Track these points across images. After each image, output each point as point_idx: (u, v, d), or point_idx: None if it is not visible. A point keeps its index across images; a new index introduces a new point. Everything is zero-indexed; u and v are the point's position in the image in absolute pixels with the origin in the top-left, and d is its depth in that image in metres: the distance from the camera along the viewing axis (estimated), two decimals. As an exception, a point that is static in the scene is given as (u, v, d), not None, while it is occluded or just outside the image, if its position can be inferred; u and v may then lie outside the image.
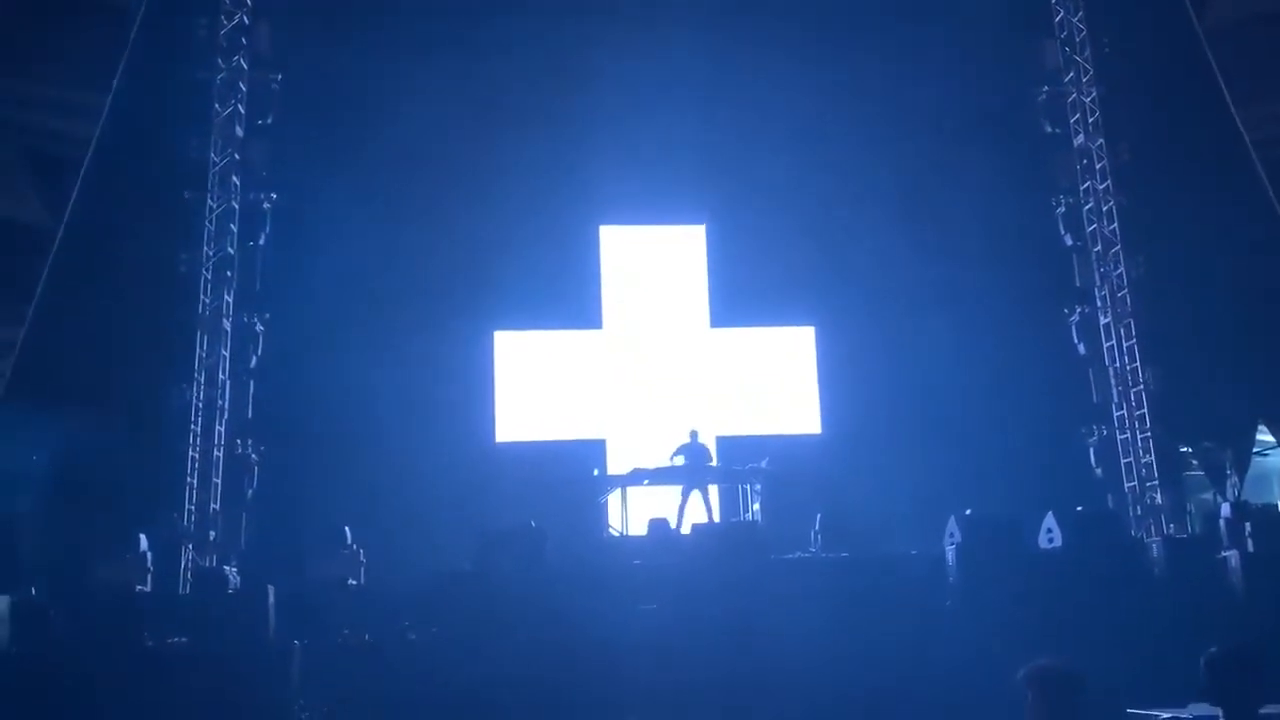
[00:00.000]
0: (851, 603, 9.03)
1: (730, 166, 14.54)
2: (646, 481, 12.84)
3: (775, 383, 15.06)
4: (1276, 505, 11.36)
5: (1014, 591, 9.12)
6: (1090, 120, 14.39)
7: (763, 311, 15.02)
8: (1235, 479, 13.38)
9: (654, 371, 15.04)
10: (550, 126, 14.46)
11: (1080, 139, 14.45)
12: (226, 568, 11.33)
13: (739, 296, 15.08)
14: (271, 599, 9.46)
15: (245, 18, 13.54)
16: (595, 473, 13.47)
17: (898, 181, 14.56)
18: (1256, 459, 13.97)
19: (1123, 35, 14.44)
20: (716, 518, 12.90)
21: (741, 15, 14.58)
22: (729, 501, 13.39)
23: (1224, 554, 9.98)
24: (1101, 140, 14.31)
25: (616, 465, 13.92)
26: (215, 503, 12.48)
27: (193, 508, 12.36)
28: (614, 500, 12.91)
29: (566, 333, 15.06)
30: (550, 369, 14.85)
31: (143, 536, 10.41)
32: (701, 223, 15.39)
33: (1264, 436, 14.06)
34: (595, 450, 14.39)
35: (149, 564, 10.22)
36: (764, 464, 12.77)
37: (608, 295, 15.20)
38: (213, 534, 12.35)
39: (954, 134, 14.36)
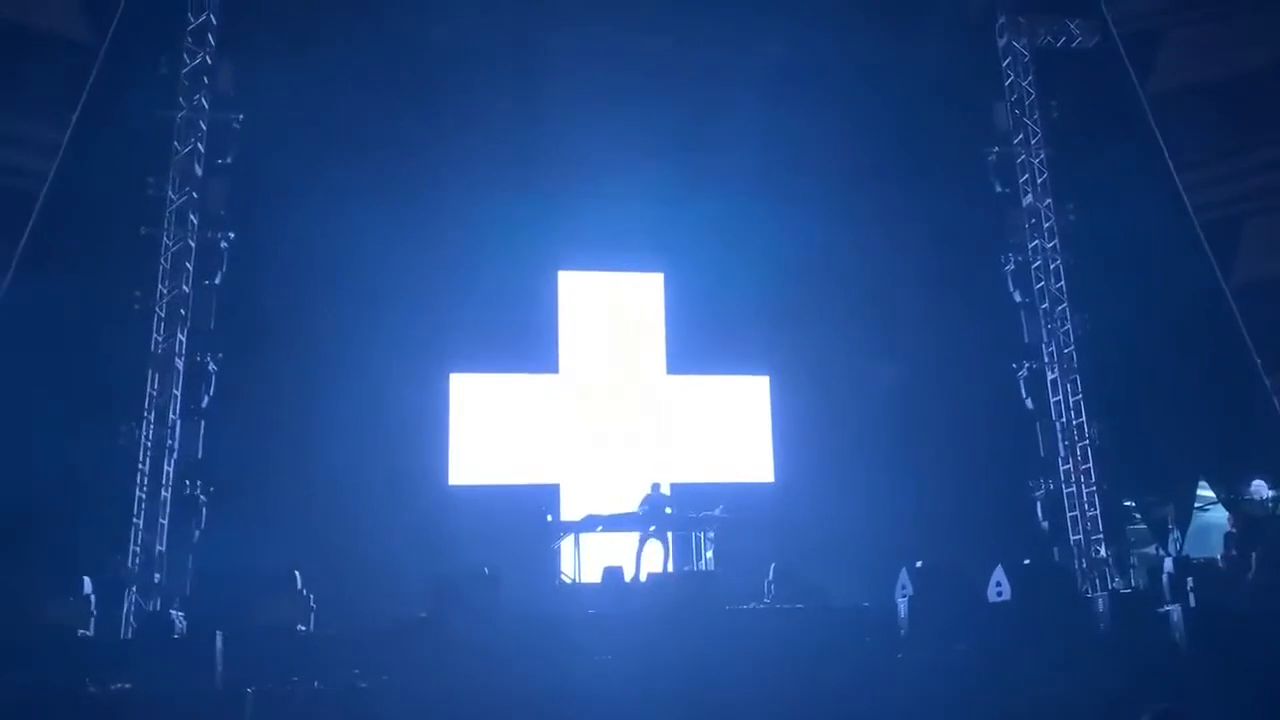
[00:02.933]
0: (805, 654, 9.06)
1: (689, 217, 14.74)
2: (600, 528, 12.82)
3: (730, 431, 15.17)
4: (1217, 560, 11.61)
5: (964, 644, 9.22)
6: (1039, 181, 14.79)
7: (719, 360, 15.18)
8: (1177, 533, 13.68)
9: (610, 417, 15.09)
10: (512, 171, 14.61)
11: (1029, 198, 14.83)
12: (172, 611, 11.10)
13: (696, 344, 15.23)
14: (219, 644, 9.28)
15: (208, 57, 13.52)
16: (549, 518, 13.45)
17: (852, 235, 14.87)
18: (1198, 514, 14.27)
19: (1071, 100, 14.89)
20: (671, 567, 12.90)
21: (702, 70, 14.87)
22: (682, 549, 13.40)
23: (1166, 609, 10.18)
24: (1049, 200, 14.70)
25: (571, 511, 13.90)
26: (161, 545, 12.25)
27: (138, 549, 12.12)
28: (567, 546, 12.88)
29: (523, 376, 15.09)
30: (506, 412, 14.84)
31: (86, 579, 10.18)
32: (660, 271, 15.57)
33: (1205, 492, 14.38)
34: (549, 495, 14.38)
35: (92, 607, 10.00)
36: (718, 511, 12.83)
37: (565, 340, 15.27)
38: (158, 577, 12.11)
39: (907, 191, 14.70)
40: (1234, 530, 11.99)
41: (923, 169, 14.84)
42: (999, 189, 14.93)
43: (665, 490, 13.20)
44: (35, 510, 11.51)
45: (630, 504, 13.10)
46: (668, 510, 12.97)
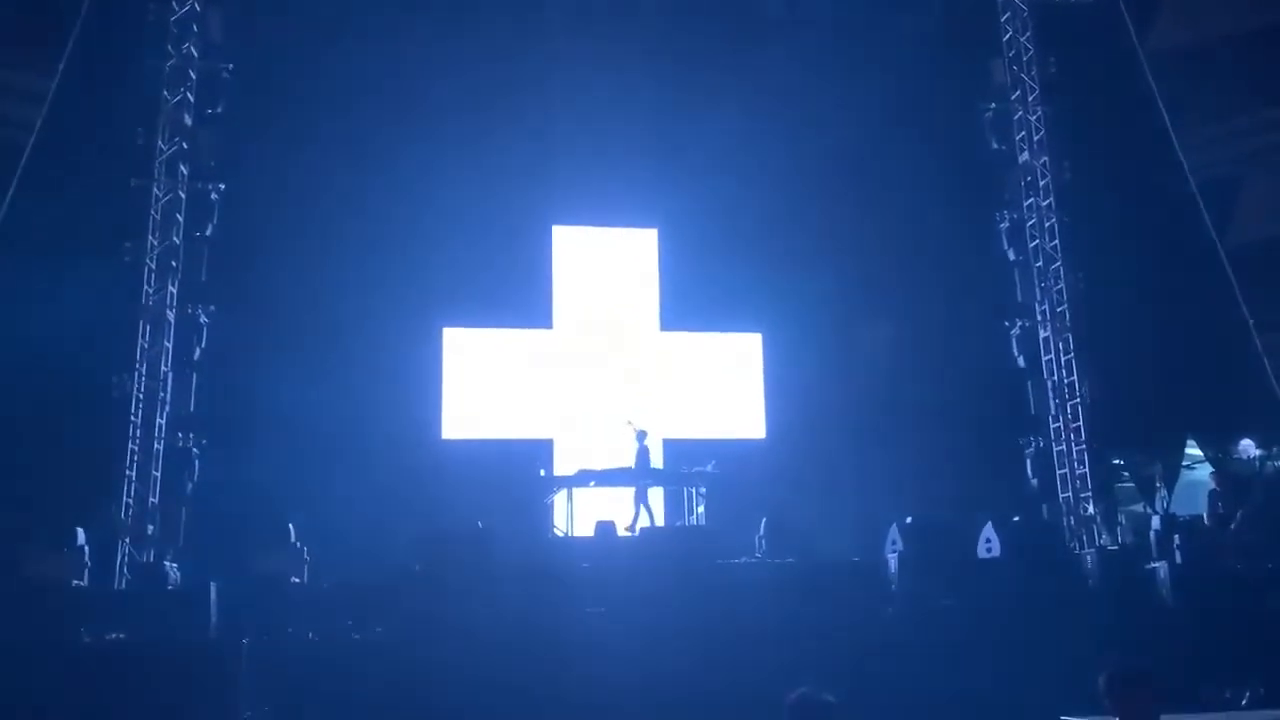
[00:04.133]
0: (796, 608, 9.16)
1: (683, 174, 14.65)
2: (593, 483, 12.91)
3: (722, 387, 15.20)
4: (1203, 517, 11.74)
5: (953, 600, 9.33)
6: (1035, 138, 14.70)
7: (712, 317, 15.17)
8: (1164, 491, 13.79)
9: (603, 373, 15.08)
10: (506, 125, 14.48)
11: (1025, 156, 14.75)
12: (166, 563, 11.16)
13: (689, 301, 15.21)
14: (213, 595, 9.35)
15: (197, 5, 13.30)
16: (541, 473, 13.51)
17: (846, 193, 14.80)
18: (1185, 472, 14.39)
19: (1069, 56, 14.76)
20: (660, 521, 13.00)
21: (697, 27, 14.73)
22: (674, 504, 13.52)
23: (1153, 565, 10.30)
24: (1045, 158, 14.61)
25: (563, 465, 13.95)
26: (154, 496, 12.26)
27: (130, 501, 12.14)
28: (560, 501, 12.96)
29: (516, 331, 15.07)
30: (499, 367, 14.83)
31: (80, 530, 10.21)
32: (654, 227, 15.50)
33: (1192, 450, 14.49)
34: (542, 450, 14.41)
35: (86, 558, 10.04)
36: (710, 467, 12.91)
37: (559, 295, 15.23)
38: (151, 528, 12.13)
39: (902, 148, 14.59)
40: (1218, 489, 12.11)
41: (919, 125, 14.73)
42: (995, 146, 14.84)
43: (651, 440, 13.24)
44: (28, 462, 11.52)
45: (622, 459, 13.19)
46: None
